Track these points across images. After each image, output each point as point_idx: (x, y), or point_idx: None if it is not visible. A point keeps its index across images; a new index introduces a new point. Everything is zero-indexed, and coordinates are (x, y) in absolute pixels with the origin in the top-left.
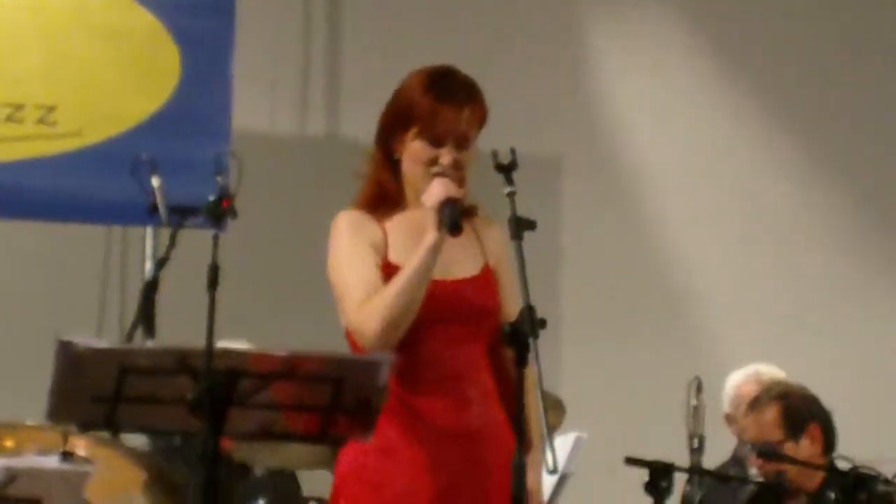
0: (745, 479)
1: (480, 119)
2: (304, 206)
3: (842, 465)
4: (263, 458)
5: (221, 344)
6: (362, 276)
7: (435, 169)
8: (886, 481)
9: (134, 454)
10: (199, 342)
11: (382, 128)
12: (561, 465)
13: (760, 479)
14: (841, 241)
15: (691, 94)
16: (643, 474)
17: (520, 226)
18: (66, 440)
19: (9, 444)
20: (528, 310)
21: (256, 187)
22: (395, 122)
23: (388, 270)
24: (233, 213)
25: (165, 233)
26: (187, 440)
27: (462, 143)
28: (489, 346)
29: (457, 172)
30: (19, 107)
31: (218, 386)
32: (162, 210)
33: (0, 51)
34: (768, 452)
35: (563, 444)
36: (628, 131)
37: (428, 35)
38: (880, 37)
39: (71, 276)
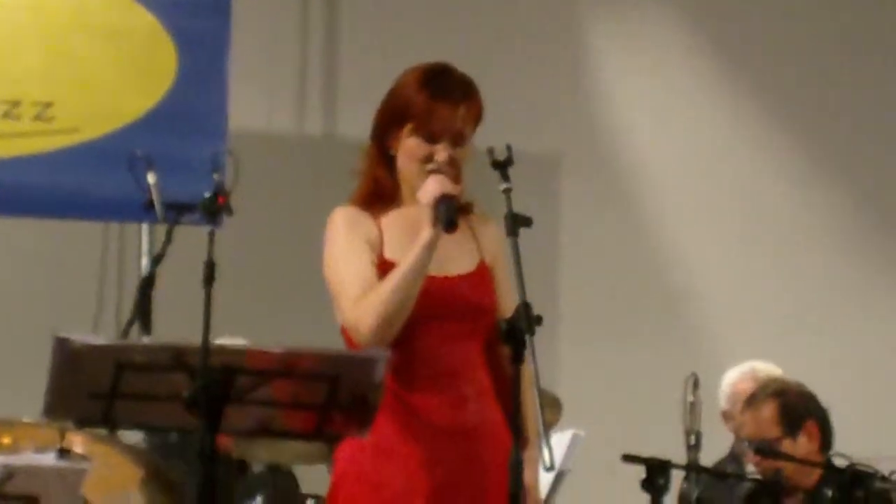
0: (742, 476)
1: (476, 116)
2: (301, 205)
3: (839, 462)
4: (260, 454)
5: (220, 341)
6: (358, 272)
7: (430, 166)
8: (883, 478)
9: (131, 451)
10: (195, 339)
11: (378, 124)
12: (558, 463)
13: (758, 476)
14: (841, 241)
15: (691, 94)
16: (640, 471)
17: (516, 222)
18: (62, 437)
19: (5, 441)
20: (525, 306)
21: (253, 185)
22: (391, 119)
23: (384, 267)
24: (228, 209)
25: (161, 229)
26: (184, 437)
27: (457, 139)
28: (485, 343)
29: (452, 169)
30: (16, 103)
31: (214, 383)
32: (158, 206)
33: None
34: (766, 449)
35: (559, 441)
36: (628, 131)
37: (426, 35)
38: (880, 37)
39: (67, 273)
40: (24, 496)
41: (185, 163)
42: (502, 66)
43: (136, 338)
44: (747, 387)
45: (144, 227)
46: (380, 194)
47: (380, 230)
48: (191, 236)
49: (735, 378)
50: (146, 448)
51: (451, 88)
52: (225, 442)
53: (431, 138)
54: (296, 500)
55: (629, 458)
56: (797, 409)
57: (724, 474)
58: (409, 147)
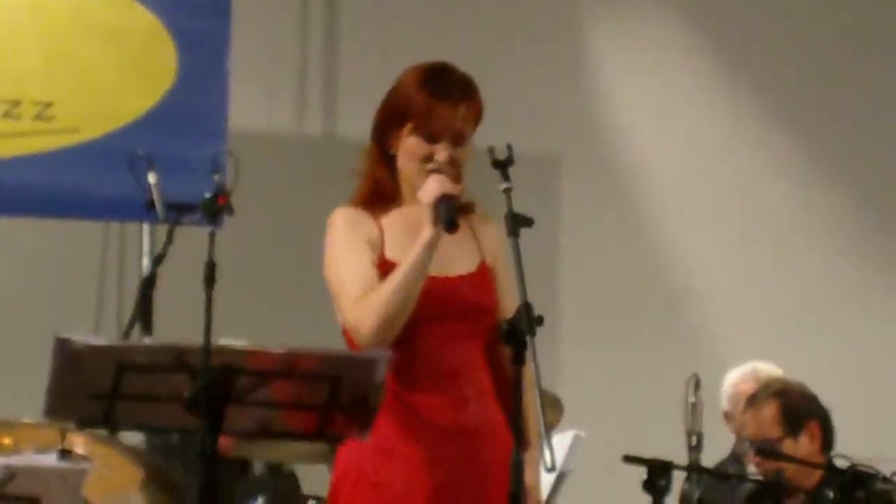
0: (743, 477)
1: (476, 116)
2: (302, 205)
3: (840, 463)
4: (261, 453)
5: (222, 342)
6: (358, 272)
7: (430, 165)
8: (885, 479)
9: (132, 452)
10: (196, 339)
11: (378, 124)
12: (559, 463)
13: (759, 477)
14: (841, 241)
15: (691, 94)
16: (642, 472)
17: (516, 222)
18: (63, 438)
19: (7, 442)
20: (526, 307)
21: (253, 185)
22: (391, 118)
23: (385, 267)
24: (229, 209)
25: (162, 229)
26: (185, 438)
27: (458, 139)
28: (486, 344)
29: (452, 169)
30: (16, 103)
31: (215, 383)
32: (159, 206)
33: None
34: (767, 450)
35: (561, 442)
36: (628, 131)
37: (427, 34)
38: (880, 37)
39: (68, 273)
40: (25, 497)
41: (185, 162)
42: (502, 66)
43: (137, 338)
44: (749, 387)
45: (145, 227)
46: (380, 194)
47: (380, 230)
48: (191, 236)
49: (736, 378)
50: (147, 449)
51: (452, 88)
52: (226, 443)
53: (432, 138)
54: (297, 501)
55: (630, 459)
56: (798, 409)
57: (725, 475)
58: (409, 147)
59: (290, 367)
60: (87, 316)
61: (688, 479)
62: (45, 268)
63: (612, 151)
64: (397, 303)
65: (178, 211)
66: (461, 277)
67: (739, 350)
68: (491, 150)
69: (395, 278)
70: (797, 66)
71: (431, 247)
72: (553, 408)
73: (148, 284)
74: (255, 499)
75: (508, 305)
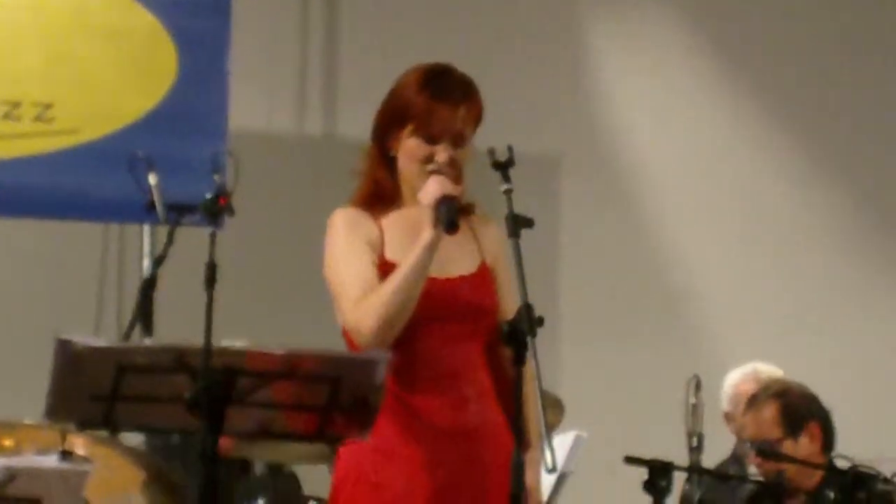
0: (744, 478)
1: (476, 117)
2: (302, 205)
3: (841, 463)
4: (262, 454)
5: (223, 343)
6: (358, 273)
7: (430, 166)
8: (885, 480)
9: (133, 453)
10: (196, 340)
11: (378, 125)
12: (560, 464)
13: (760, 478)
14: (841, 241)
15: (691, 94)
16: (642, 473)
17: (517, 223)
18: (64, 439)
19: (7, 443)
20: (526, 308)
21: (254, 186)
22: (391, 120)
23: (385, 268)
24: (230, 210)
25: (163, 230)
26: (186, 439)
27: (458, 140)
28: (487, 345)
29: (452, 170)
30: (16, 104)
31: (216, 384)
32: (159, 207)
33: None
34: (767, 451)
35: (562, 442)
36: (628, 131)
37: (427, 35)
38: (880, 37)
39: (68, 274)
40: (26, 498)
41: (185, 163)
42: (502, 66)
43: (138, 339)
44: (749, 388)
45: (146, 228)
46: (380, 195)
47: (380, 231)
48: (192, 237)
49: (737, 379)
50: (147, 450)
51: (451, 89)
52: (226, 443)
53: (432, 139)
54: (297, 501)
55: (631, 460)
56: (799, 410)
57: (726, 476)
58: (409, 148)
59: (291, 368)
60: (87, 317)
61: (688, 479)
62: (45, 269)
63: (612, 151)
64: (397, 304)
65: (178, 212)
66: (461, 278)
67: (739, 350)
68: (491, 152)
69: (396, 279)
70: (797, 66)
71: (432, 248)
72: (554, 409)
73: (148, 285)
74: (256, 500)
75: (509, 307)
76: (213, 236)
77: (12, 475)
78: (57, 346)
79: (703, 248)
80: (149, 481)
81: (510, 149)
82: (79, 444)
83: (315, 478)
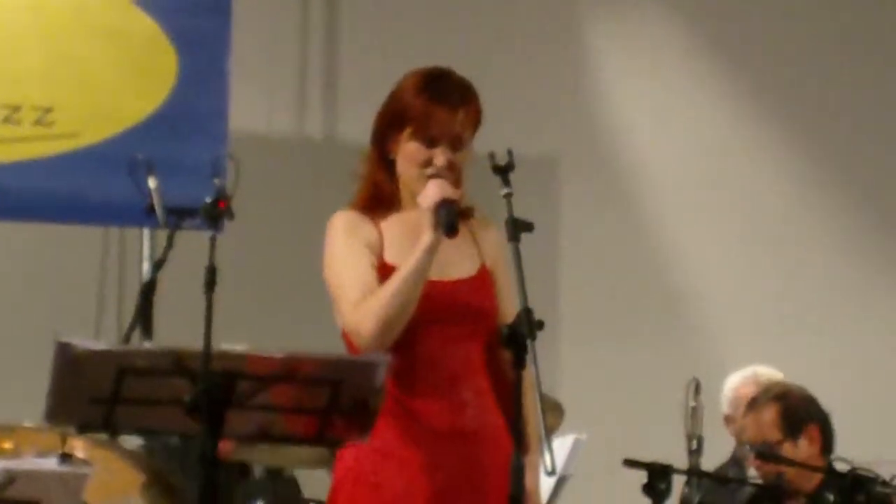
0: (743, 481)
1: (475, 120)
2: (302, 208)
3: (840, 466)
4: (261, 457)
5: (222, 346)
6: (358, 276)
7: (429, 170)
8: (884, 483)
9: (132, 456)
10: (196, 343)
11: (377, 128)
12: (559, 467)
13: (759, 481)
14: (841, 241)
15: (691, 95)
16: (642, 476)
17: (517, 227)
18: (64, 442)
19: (7, 445)
20: (526, 312)
21: (254, 188)
22: (390, 123)
23: (384, 271)
24: (230, 214)
25: (163, 234)
26: (185, 442)
27: (456, 144)
28: (486, 348)
29: (451, 173)
30: (16, 108)
31: (215, 388)
32: (159, 211)
33: None
34: (767, 453)
35: (561, 445)
36: (628, 131)
37: (426, 35)
38: (880, 37)
39: (68, 278)
40: (25, 501)
41: (185, 166)
42: (502, 66)
43: (138, 343)
44: (749, 391)
45: (146, 231)
46: (380, 198)
47: (380, 234)
48: (192, 241)
49: (737, 382)
50: (147, 453)
51: (450, 92)
52: (226, 447)
53: (430, 142)
54: None
55: (630, 463)
56: (798, 412)
57: (725, 479)
58: (408, 151)
59: (291, 371)
60: (87, 320)
61: (688, 482)
62: (45, 272)
63: (612, 152)
64: (397, 306)
65: (178, 215)
66: (461, 281)
67: (739, 350)
68: (491, 156)
69: (395, 282)
70: (797, 66)
71: (431, 251)
72: (553, 412)
73: (148, 289)
74: (256, 502)
75: (509, 310)
76: (212, 240)
77: (12, 478)
78: (57, 349)
79: (703, 248)
80: (148, 484)
81: (510, 153)
82: (78, 446)
83: (314, 482)
